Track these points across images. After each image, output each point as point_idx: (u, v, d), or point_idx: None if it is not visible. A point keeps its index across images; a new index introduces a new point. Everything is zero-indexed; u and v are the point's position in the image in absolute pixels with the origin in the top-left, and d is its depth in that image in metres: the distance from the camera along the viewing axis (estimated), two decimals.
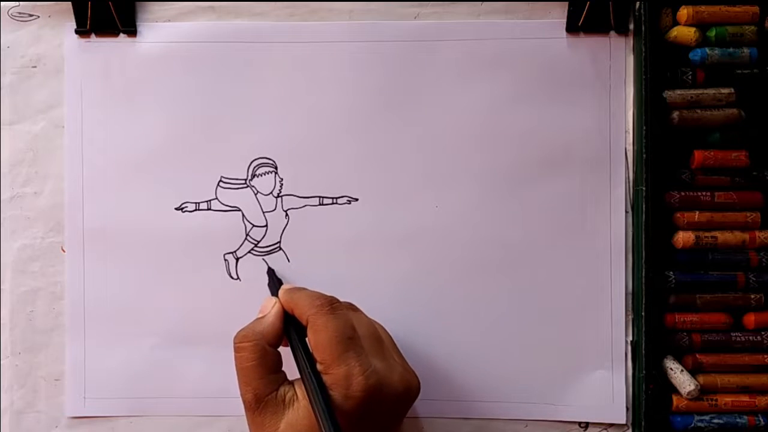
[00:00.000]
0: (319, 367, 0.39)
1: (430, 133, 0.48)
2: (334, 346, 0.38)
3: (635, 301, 0.47)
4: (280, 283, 0.46)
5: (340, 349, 0.38)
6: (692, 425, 0.45)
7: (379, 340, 0.41)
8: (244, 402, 0.39)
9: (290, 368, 0.41)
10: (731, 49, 0.45)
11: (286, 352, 0.41)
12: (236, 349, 0.40)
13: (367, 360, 0.39)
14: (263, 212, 0.48)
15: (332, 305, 0.40)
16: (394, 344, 0.43)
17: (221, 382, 0.48)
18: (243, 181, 0.48)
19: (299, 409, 0.38)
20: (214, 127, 0.48)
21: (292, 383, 0.40)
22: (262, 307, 0.43)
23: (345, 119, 0.48)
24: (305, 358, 0.39)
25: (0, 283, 0.48)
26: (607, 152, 0.48)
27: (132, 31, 0.48)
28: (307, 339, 0.40)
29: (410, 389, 0.41)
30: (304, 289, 0.43)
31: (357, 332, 0.40)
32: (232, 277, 0.48)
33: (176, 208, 0.48)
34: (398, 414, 0.41)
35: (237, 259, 0.48)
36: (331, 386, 0.38)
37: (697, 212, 0.46)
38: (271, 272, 0.47)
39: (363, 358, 0.38)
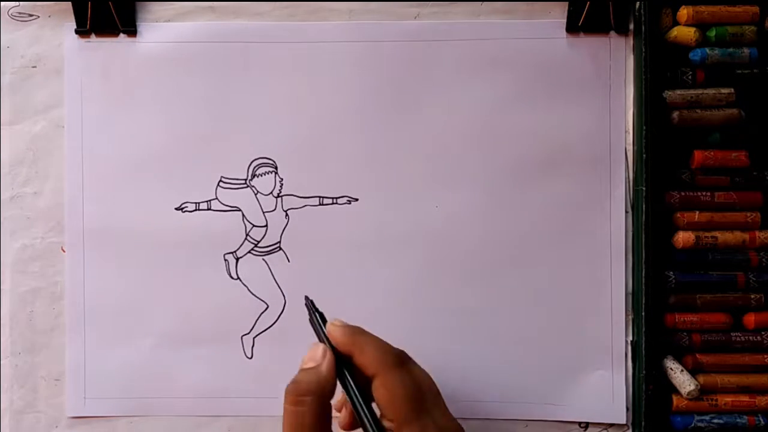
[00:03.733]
0: (387, 424, 0.37)
1: (431, 133, 0.48)
2: (410, 405, 0.36)
3: (635, 301, 0.47)
4: (323, 318, 0.41)
5: (416, 408, 0.36)
6: (692, 425, 0.45)
7: (437, 393, 0.39)
8: None
9: None
10: (731, 49, 0.45)
11: None
12: (295, 403, 0.36)
13: (434, 416, 0.37)
14: (263, 212, 0.48)
15: (401, 357, 0.38)
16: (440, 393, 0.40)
17: (221, 382, 0.48)
18: (243, 181, 0.48)
19: None
20: (214, 127, 0.48)
21: None
22: (311, 355, 0.38)
23: (345, 119, 0.48)
24: (370, 415, 0.36)
25: (0, 283, 0.48)
26: (607, 152, 0.48)
27: (132, 31, 0.48)
28: (374, 393, 0.37)
29: None
30: (367, 332, 0.39)
31: (423, 387, 0.37)
32: (232, 277, 0.48)
33: (176, 208, 0.48)
34: None
35: (237, 259, 0.48)
36: None
37: (697, 212, 0.46)
38: (310, 304, 0.41)
39: (432, 415, 0.37)
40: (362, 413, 0.37)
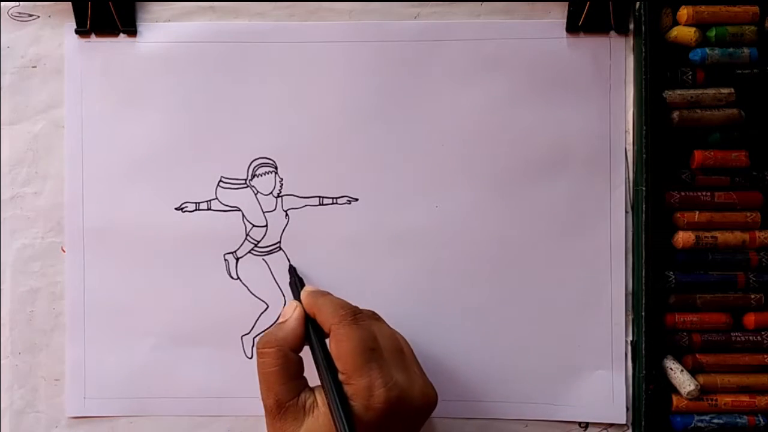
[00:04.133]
0: (340, 376, 0.39)
1: (431, 133, 0.48)
2: (357, 357, 0.38)
3: (635, 301, 0.47)
4: (301, 283, 0.46)
5: (363, 361, 0.38)
6: (692, 425, 0.45)
7: (401, 351, 0.41)
8: (266, 407, 0.39)
9: (310, 374, 0.41)
10: (731, 49, 0.45)
11: (306, 356, 0.41)
12: (259, 354, 0.40)
13: (389, 372, 0.38)
14: (263, 212, 0.48)
15: (356, 315, 0.40)
16: (414, 356, 0.42)
17: (221, 382, 0.48)
18: (243, 181, 0.48)
19: (319, 416, 0.38)
20: (214, 127, 0.48)
21: (312, 390, 0.40)
22: (284, 311, 0.43)
23: (345, 119, 0.48)
24: (327, 367, 0.39)
25: (0, 283, 0.48)
26: (607, 152, 0.48)
27: (132, 31, 0.48)
28: (329, 347, 0.40)
29: (429, 402, 0.41)
30: (328, 294, 0.43)
31: (379, 343, 0.40)
32: (232, 277, 0.48)
33: (176, 208, 0.48)
34: (416, 426, 0.41)
35: (237, 259, 0.48)
36: (352, 397, 0.38)
37: (697, 212, 0.46)
38: (292, 270, 0.47)
39: (385, 370, 0.38)
40: (320, 367, 0.40)
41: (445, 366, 0.48)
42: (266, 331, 0.42)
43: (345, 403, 0.38)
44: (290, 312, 0.42)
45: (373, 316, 0.42)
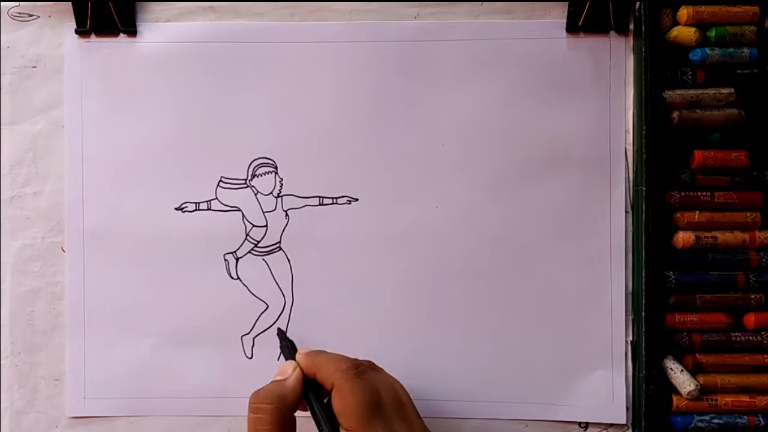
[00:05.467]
0: None
1: (430, 133, 0.48)
2: (362, 413, 0.38)
3: (635, 301, 0.47)
4: (293, 345, 0.45)
5: (368, 416, 0.38)
6: (692, 425, 0.45)
7: (401, 402, 0.41)
8: None
9: None
10: (731, 49, 0.45)
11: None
12: (253, 410, 0.39)
13: (392, 426, 0.38)
14: (263, 212, 0.48)
15: (358, 369, 0.40)
16: (412, 403, 0.42)
17: (221, 382, 0.48)
18: (243, 181, 0.48)
19: None
20: (214, 127, 0.48)
21: None
22: (281, 370, 0.42)
23: (345, 119, 0.48)
24: (329, 426, 0.39)
25: (0, 283, 0.48)
26: (607, 152, 0.48)
27: (132, 31, 0.48)
28: (332, 404, 0.40)
29: None
30: (324, 351, 0.43)
31: (382, 397, 0.39)
32: (232, 277, 0.48)
33: (176, 208, 0.48)
34: None
35: (237, 259, 0.48)
36: None
37: (697, 212, 0.46)
38: (282, 334, 0.46)
39: (388, 425, 0.38)
40: (321, 425, 0.39)
41: (445, 366, 0.48)
42: (263, 388, 0.41)
43: None
44: (290, 371, 0.41)
45: (373, 367, 0.42)
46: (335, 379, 0.39)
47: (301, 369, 0.41)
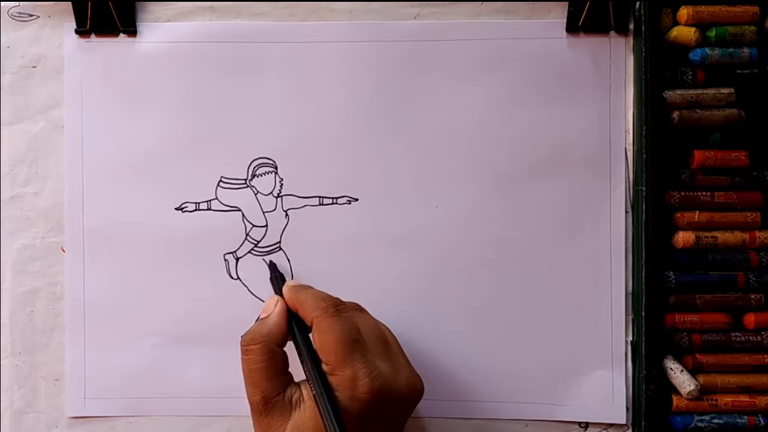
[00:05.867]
0: (324, 368, 0.39)
1: (431, 133, 0.48)
2: (340, 348, 0.38)
3: (635, 301, 0.47)
4: (282, 278, 0.46)
5: (346, 351, 0.38)
6: (692, 425, 0.45)
7: (385, 342, 0.41)
8: (251, 404, 0.39)
9: (295, 368, 0.41)
10: (731, 49, 0.45)
11: (291, 350, 0.41)
12: (244, 352, 0.40)
13: (373, 362, 0.39)
14: (263, 212, 0.48)
15: (337, 307, 0.40)
16: (400, 346, 0.43)
17: (221, 382, 0.48)
18: (243, 181, 0.48)
19: (305, 410, 0.39)
20: (214, 127, 0.48)
21: (298, 384, 0.40)
22: (265, 307, 0.42)
23: (345, 119, 0.48)
24: (310, 360, 0.39)
25: (0, 283, 0.48)
26: (607, 152, 0.48)
27: (132, 31, 0.48)
28: (312, 339, 0.40)
29: (415, 392, 0.41)
30: (309, 287, 0.43)
31: (362, 334, 0.40)
32: (232, 277, 0.48)
33: (176, 208, 0.48)
34: (402, 416, 0.41)
35: (237, 259, 0.48)
36: (337, 388, 0.38)
37: (697, 212, 0.46)
38: (273, 266, 0.47)
39: (369, 361, 0.38)
40: (304, 360, 0.40)
41: (445, 366, 0.48)
42: (250, 329, 0.41)
43: (330, 395, 0.38)
44: (272, 307, 0.42)
45: (356, 308, 0.43)
46: (314, 317, 0.40)
47: (285, 304, 0.42)
